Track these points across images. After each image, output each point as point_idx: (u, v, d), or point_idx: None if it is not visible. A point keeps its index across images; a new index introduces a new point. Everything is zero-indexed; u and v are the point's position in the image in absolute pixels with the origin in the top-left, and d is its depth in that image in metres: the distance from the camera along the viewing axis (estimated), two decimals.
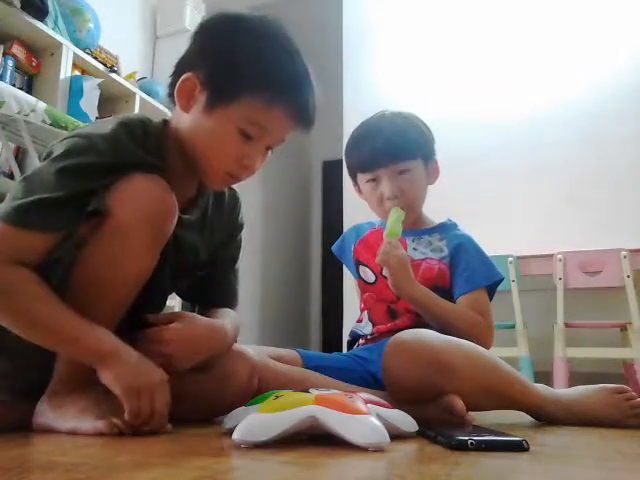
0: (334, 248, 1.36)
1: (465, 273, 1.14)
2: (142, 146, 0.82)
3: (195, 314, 0.89)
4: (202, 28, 0.88)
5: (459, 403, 0.87)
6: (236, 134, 0.83)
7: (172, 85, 0.88)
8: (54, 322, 0.73)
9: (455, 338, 0.95)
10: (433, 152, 1.24)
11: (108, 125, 0.80)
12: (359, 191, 1.27)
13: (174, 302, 2.68)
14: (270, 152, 0.90)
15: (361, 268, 1.26)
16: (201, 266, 0.99)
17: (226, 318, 0.95)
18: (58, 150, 0.78)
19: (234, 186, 1.00)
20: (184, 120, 0.87)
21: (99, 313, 0.77)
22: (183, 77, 0.84)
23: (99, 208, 0.76)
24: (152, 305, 0.99)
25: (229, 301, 1.04)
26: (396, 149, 1.16)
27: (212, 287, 1.03)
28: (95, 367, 0.74)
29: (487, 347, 1.05)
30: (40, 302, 0.73)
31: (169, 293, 1.02)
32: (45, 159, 0.79)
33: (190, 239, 0.93)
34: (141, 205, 0.77)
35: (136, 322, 0.85)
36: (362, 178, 1.22)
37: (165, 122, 0.91)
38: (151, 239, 0.78)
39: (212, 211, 0.98)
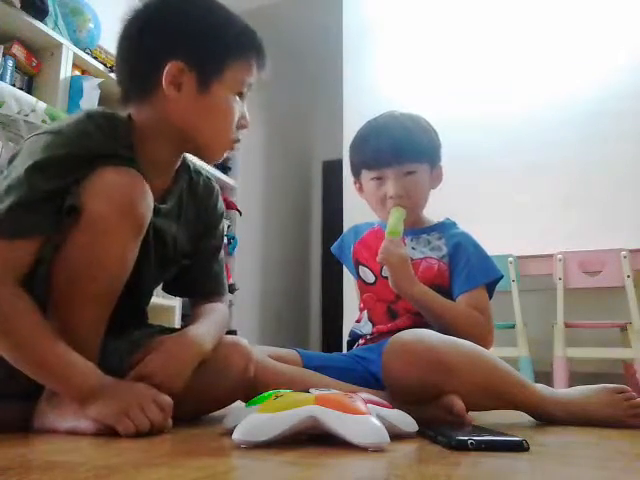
0: (333, 248, 1.36)
1: (464, 271, 1.14)
2: (111, 136, 0.82)
3: (164, 337, 0.88)
4: (150, 20, 0.87)
5: (459, 403, 0.87)
6: (234, 98, 0.89)
7: (138, 79, 0.87)
8: (40, 359, 0.73)
9: (455, 338, 0.95)
10: (439, 158, 1.24)
11: (73, 118, 0.81)
12: (360, 189, 1.26)
13: (175, 302, 2.68)
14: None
15: (360, 268, 1.26)
16: (185, 255, 0.99)
17: (206, 318, 0.95)
18: (25, 149, 0.78)
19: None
20: (175, 108, 0.86)
21: (84, 314, 0.77)
22: (168, 66, 0.83)
23: (74, 204, 0.75)
24: (140, 297, 0.99)
25: (216, 290, 1.04)
26: (406, 150, 1.15)
27: (197, 278, 1.03)
28: (79, 403, 0.73)
29: (487, 346, 1.05)
30: (28, 337, 0.72)
31: (156, 285, 1.03)
32: (11, 161, 0.79)
33: (169, 227, 0.93)
34: (115, 197, 0.76)
35: (128, 315, 0.85)
36: (367, 175, 1.21)
37: (129, 116, 0.90)
38: (128, 231, 0.78)
39: (187, 198, 0.98)
